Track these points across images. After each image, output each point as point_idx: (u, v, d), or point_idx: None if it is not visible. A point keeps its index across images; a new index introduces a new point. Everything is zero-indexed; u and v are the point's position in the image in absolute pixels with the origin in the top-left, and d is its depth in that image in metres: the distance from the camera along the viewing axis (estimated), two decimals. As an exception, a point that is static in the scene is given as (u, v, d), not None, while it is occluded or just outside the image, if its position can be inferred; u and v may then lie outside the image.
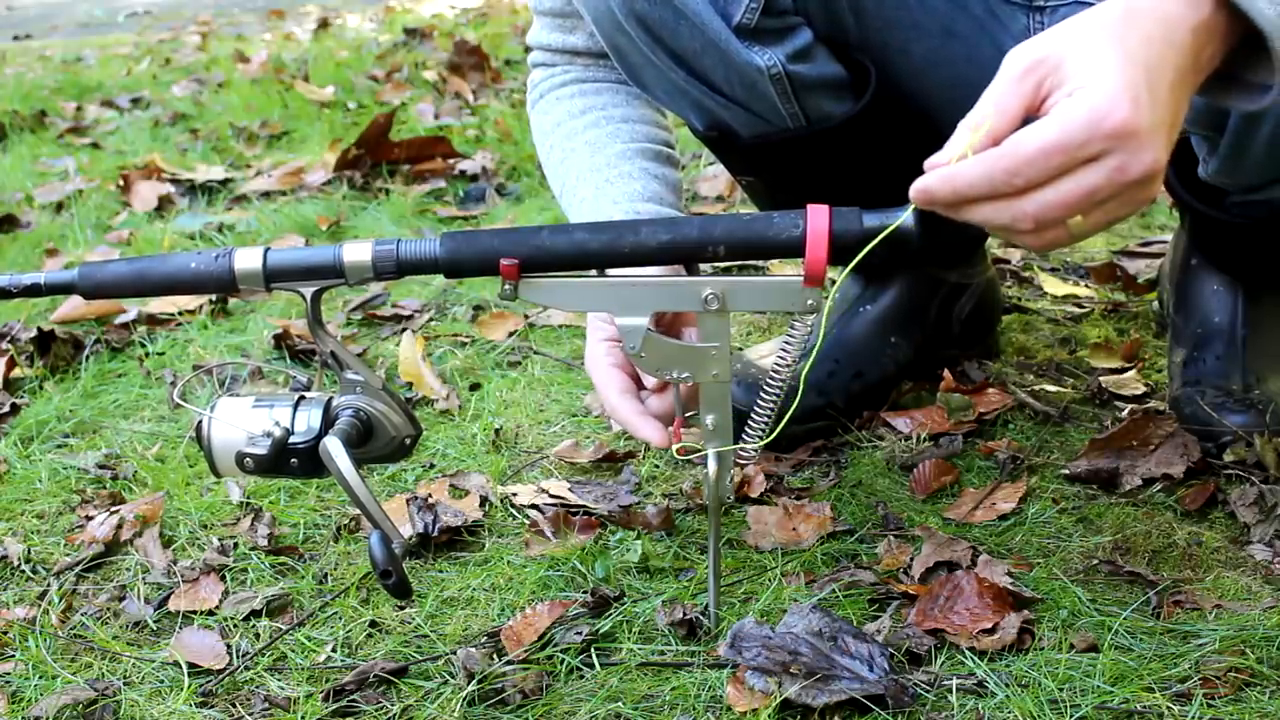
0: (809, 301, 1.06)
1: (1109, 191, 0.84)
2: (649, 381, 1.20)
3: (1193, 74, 0.88)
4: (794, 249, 1.03)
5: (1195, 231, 1.57)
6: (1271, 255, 1.47)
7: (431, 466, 1.60)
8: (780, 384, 1.12)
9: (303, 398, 1.11)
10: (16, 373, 1.99)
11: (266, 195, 2.89)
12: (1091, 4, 1.28)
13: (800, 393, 1.16)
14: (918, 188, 0.89)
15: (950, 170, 0.87)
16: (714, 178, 2.61)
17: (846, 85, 1.42)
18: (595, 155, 1.39)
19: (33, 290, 1.11)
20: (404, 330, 1.99)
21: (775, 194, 1.56)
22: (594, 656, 1.20)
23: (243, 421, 1.10)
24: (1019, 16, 1.35)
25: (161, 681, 1.24)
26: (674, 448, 1.20)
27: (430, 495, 1.47)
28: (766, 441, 1.15)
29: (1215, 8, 0.88)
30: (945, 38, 1.39)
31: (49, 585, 1.41)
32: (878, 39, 1.41)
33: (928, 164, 0.89)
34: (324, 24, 5.56)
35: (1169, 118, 0.85)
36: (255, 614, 1.32)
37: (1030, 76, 0.86)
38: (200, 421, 1.12)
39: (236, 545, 1.44)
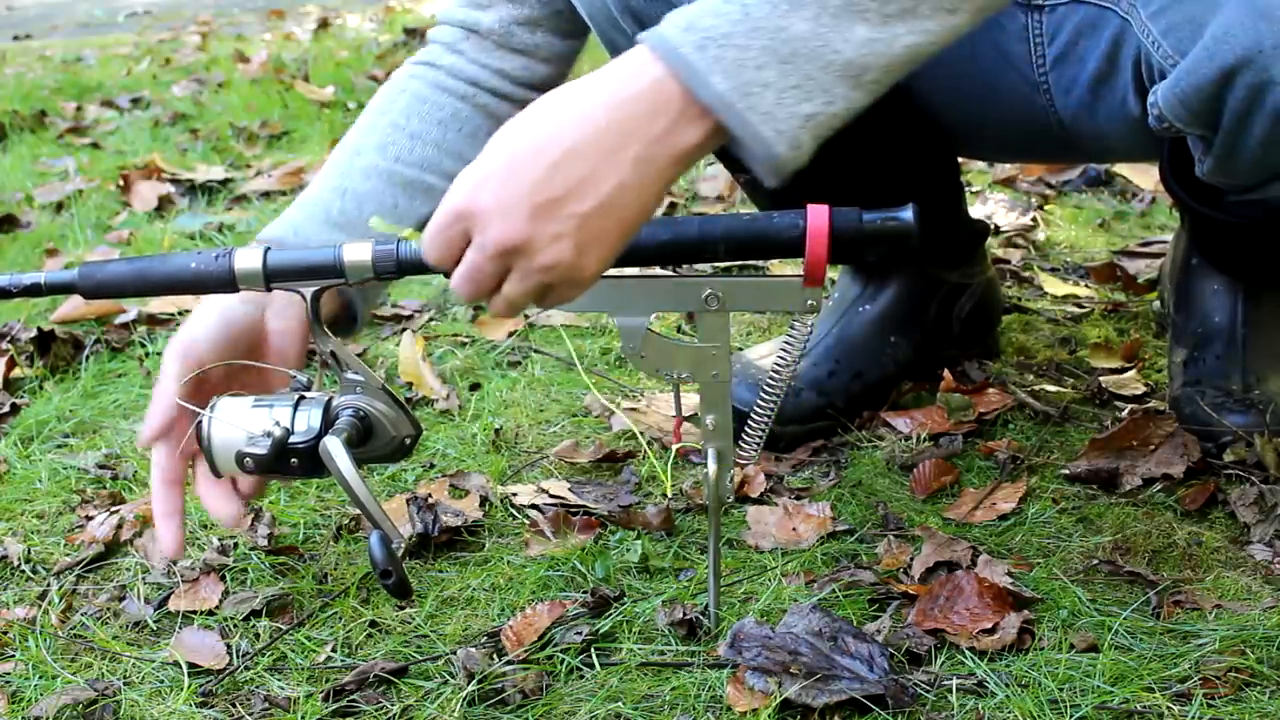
0: (809, 301, 1.07)
1: (490, 264, 0.92)
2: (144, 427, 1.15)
3: (624, 143, 0.89)
4: (794, 249, 1.03)
5: (1195, 231, 1.57)
6: (1271, 255, 1.47)
7: (431, 466, 1.60)
8: (780, 384, 1.12)
9: (303, 398, 1.11)
10: (16, 373, 1.99)
11: (266, 195, 2.89)
12: (1091, 3, 1.29)
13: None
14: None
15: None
16: (714, 178, 2.61)
17: None
18: (349, 158, 1.33)
19: (33, 290, 1.11)
20: (404, 330, 1.99)
21: (773, 192, 1.56)
22: (594, 656, 1.20)
23: (243, 421, 1.10)
24: (1018, 15, 1.35)
25: (161, 681, 1.24)
26: (675, 446, 1.20)
27: (430, 495, 1.47)
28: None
29: (665, 90, 0.88)
30: None
31: (49, 585, 1.41)
32: None
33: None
34: (324, 24, 5.55)
35: (543, 193, 0.89)
36: (255, 614, 1.32)
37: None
38: (200, 421, 1.12)
39: (236, 545, 1.44)
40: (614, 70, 0.91)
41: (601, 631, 1.23)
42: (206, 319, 1.18)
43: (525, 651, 1.20)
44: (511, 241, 0.90)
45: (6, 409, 1.87)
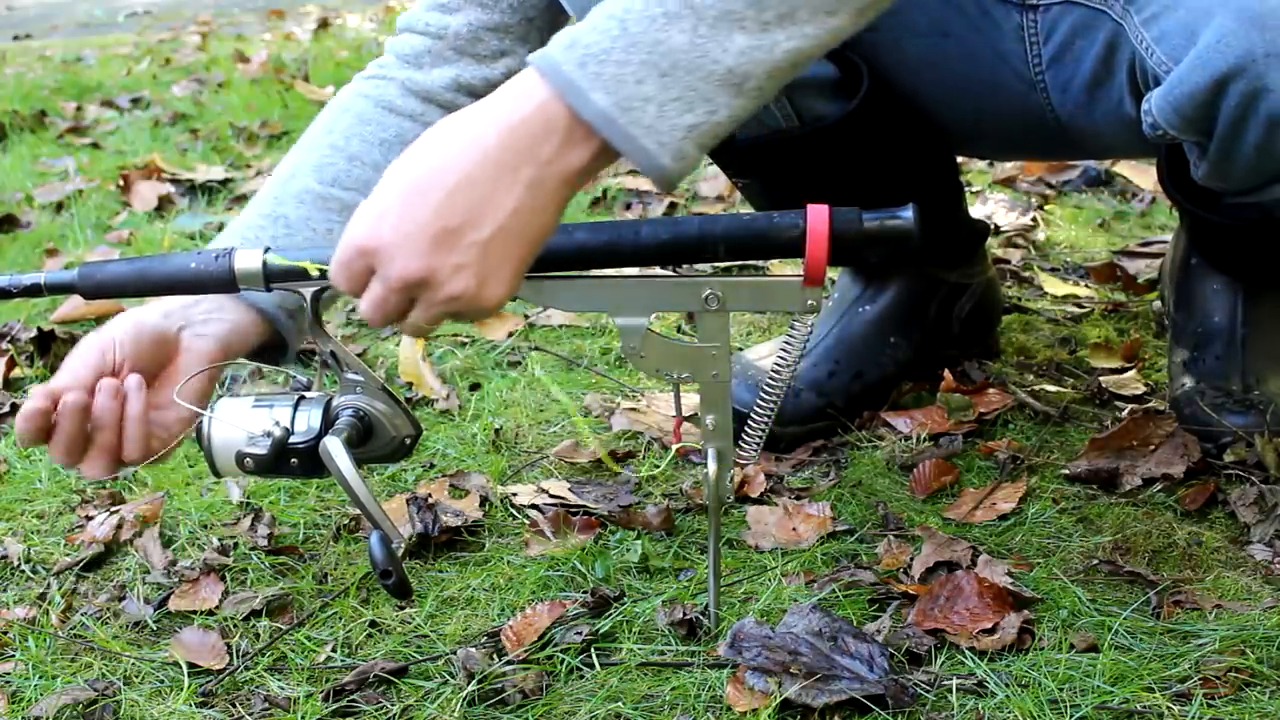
0: (809, 302, 1.07)
1: (395, 296, 0.93)
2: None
3: (516, 168, 0.90)
4: (794, 249, 1.04)
5: (1194, 232, 1.57)
6: (1270, 255, 1.47)
7: (431, 466, 1.60)
8: (780, 385, 1.12)
9: (303, 398, 1.11)
10: (16, 373, 1.99)
11: (266, 195, 2.89)
12: (1085, 5, 1.29)
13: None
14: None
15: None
16: (714, 178, 2.61)
17: (839, 84, 1.42)
18: (284, 184, 1.30)
19: (33, 290, 1.11)
20: (404, 330, 1.99)
21: (772, 195, 1.56)
22: (594, 656, 1.20)
23: (243, 421, 1.10)
24: (1013, 14, 1.35)
25: (161, 681, 1.24)
26: (675, 446, 1.20)
27: (430, 495, 1.47)
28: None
29: (550, 110, 0.89)
30: (939, 36, 1.39)
31: (49, 585, 1.41)
32: (869, 38, 1.40)
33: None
34: (324, 24, 5.55)
35: (440, 223, 0.90)
36: (255, 614, 1.32)
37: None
38: (200, 421, 1.12)
39: (236, 545, 1.44)
40: (504, 94, 0.92)
41: (601, 631, 1.23)
42: (123, 322, 1.18)
43: (525, 651, 1.20)
44: (414, 275, 0.91)
45: (6, 409, 1.87)
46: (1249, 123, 1.15)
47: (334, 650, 1.25)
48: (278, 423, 1.09)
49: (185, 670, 1.24)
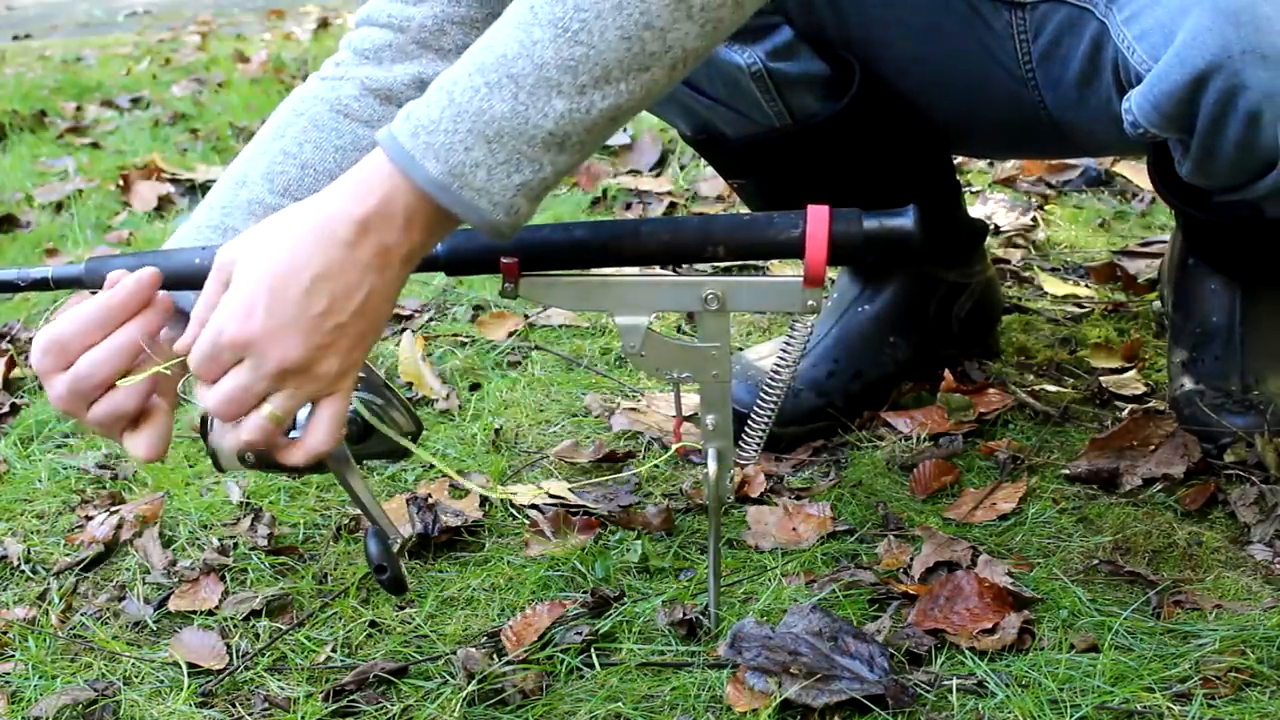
0: (809, 302, 1.07)
1: (262, 384, 0.94)
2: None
3: (372, 258, 0.94)
4: (794, 249, 1.04)
5: (1188, 231, 1.57)
6: (1265, 253, 1.47)
7: (432, 466, 1.60)
8: (780, 385, 1.12)
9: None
10: (16, 373, 1.99)
11: (266, 195, 2.89)
12: (1069, 3, 1.29)
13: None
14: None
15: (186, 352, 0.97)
16: (714, 178, 2.61)
17: (831, 82, 1.42)
18: (234, 190, 1.24)
19: (41, 284, 1.11)
20: (404, 330, 1.99)
21: (767, 196, 1.56)
22: (594, 656, 1.20)
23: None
24: (1002, 12, 1.35)
25: (161, 681, 1.24)
26: (675, 446, 1.20)
27: (430, 495, 1.47)
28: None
29: (393, 188, 0.93)
30: (929, 34, 1.39)
31: (49, 585, 1.41)
32: (860, 36, 1.41)
33: (176, 346, 0.99)
34: (324, 24, 5.55)
35: (306, 313, 0.93)
36: (255, 614, 1.32)
37: (221, 273, 0.96)
38: (204, 417, 1.12)
39: (236, 545, 1.44)
40: (351, 177, 0.95)
41: (601, 631, 1.23)
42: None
43: (525, 651, 1.20)
44: (292, 363, 0.93)
45: (6, 409, 1.87)
46: (1228, 119, 1.15)
47: (334, 650, 1.25)
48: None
49: (185, 670, 1.24)
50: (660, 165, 2.76)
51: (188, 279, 1.08)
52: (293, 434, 1.08)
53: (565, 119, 0.92)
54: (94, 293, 1.06)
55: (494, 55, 0.93)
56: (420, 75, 1.27)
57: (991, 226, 2.19)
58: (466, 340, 1.98)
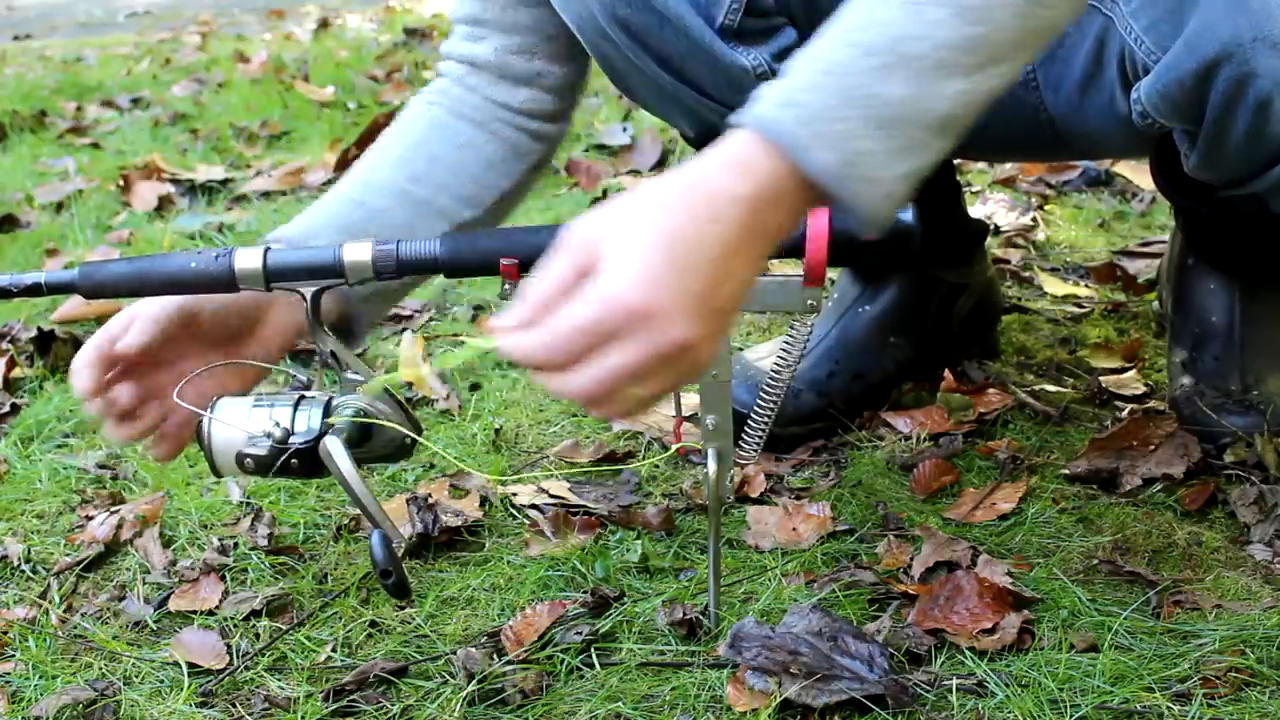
0: (809, 302, 1.06)
1: (646, 366, 0.86)
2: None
3: (753, 240, 0.89)
4: (794, 249, 1.04)
5: (1189, 230, 1.57)
6: (1265, 251, 1.47)
7: (431, 466, 1.60)
8: (780, 385, 1.12)
9: (303, 398, 1.11)
10: (16, 373, 1.99)
11: (266, 195, 2.89)
12: None
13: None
14: (501, 344, 0.91)
15: (513, 341, 0.89)
16: (714, 178, 2.61)
17: None
18: (367, 174, 1.35)
19: (33, 290, 1.11)
20: (404, 330, 1.99)
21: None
22: (594, 656, 1.20)
23: (243, 421, 1.10)
24: None
25: (161, 681, 1.24)
26: (675, 446, 1.20)
27: (430, 495, 1.47)
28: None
29: (777, 173, 0.88)
30: None
31: (49, 585, 1.41)
32: None
33: (492, 324, 0.91)
34: (324, 24, 5.55)
35: (705, 291, 0.86)
36: (255, 614, 1.32)
37: (578, 251, 0.88)
38: (200, 421, 1.12)
39: (236, 545, 1.44)
40: (733, 161, 0.89)
41: (601, 631, 1.23)
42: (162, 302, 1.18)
43: (525, 651, 1.20)
44: (691, 343, 0.86)
45: (6, 409, 1.87)
46: (1237, 108, 1.15)
47: (334, 650, 1.25)
48: (278, 423, 1.09)
49: (185, 670, 1.24)
50: (660, 165, 2.76)
51: (185, 283, 1.08)
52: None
53: (959, 101, 0.88)
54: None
55: (883, 35, 0.88)
56: (506, 102, 1.38)
57: (991, 226, 2.19)
58: (466, 340, 1.98)
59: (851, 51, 0.88)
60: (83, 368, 1.16)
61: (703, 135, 1.44)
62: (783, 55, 1.35)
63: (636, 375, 0.86)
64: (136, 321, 1.17)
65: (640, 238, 0.86)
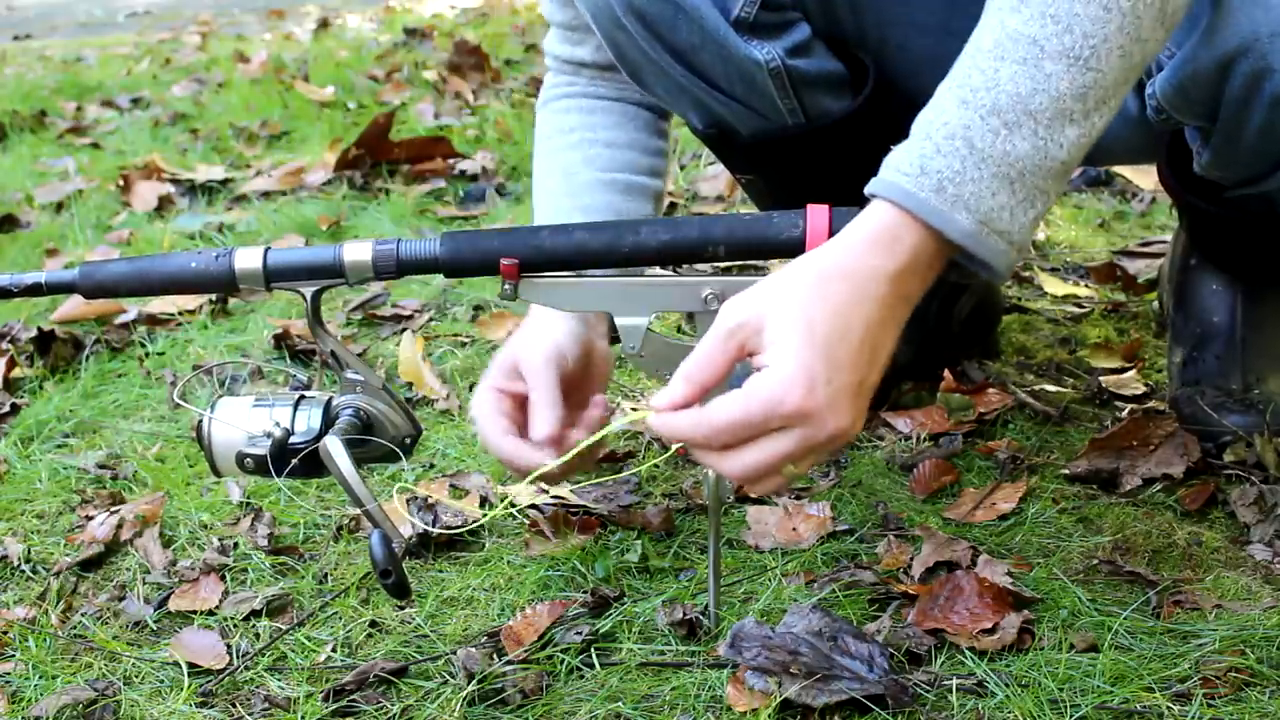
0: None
1: (802, 453, 0.92)
2: (538, 433, 1.19)
3: (898, 310, 0.95)
4: (794, 249, 1.04)
5: (1193, 229, 1.57)
6: (1270, 252, 1.47)
7: (431, 466, 1.60)
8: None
9: (303, 397, 1.11)
10: (16, 373, 1.99)
11: (266, 195, 2.89)
12: None
13: None
14: (651, 422, 0.96)
15: (666, 422, 0.95)
16: (714, 178, 2.61)
17: (845, 82, 1.42)
18: (567, 180, 1.40)
19: (34, 290, 1.11)
20: (404, 330, 1.99)
21: (775, 193, 1.56)
22: (594, 656, 1.20)
23: (243, 421, 1.10)
24: None
25: (161, 681, 1.24)
26: (674, 446, 1.20)
27: (430, 495, 1.47)
28: None
29: (919, 242, 0.93)
30: (944, 36, 1.39)
31: (49, 585, 1.41)
32: (876, 35, 1.41)
33: (651, 402, 0.96)
34: (324, 24, 5.55)
35: (857, 384, 0.92)
36: (255, 614, 1.32)
37: (735, 338, 0.94)
38: (200, 421, 1.12)
39: (236, 545, 1.44)
40: (873, 236, 0.94)
41: (601, 631, 1.23)
42: (555, 342, 1.24)
43: (525, 651, 1.20)
44: (844, 432, 0.92)
45: (6, 409, 1.87)
46: (1253, 104, 1.15)
47: (334, 650, 1.25)
48: (278, 423, 1.09)
49: (185, 670, 1.24)
50: (660, 165, 2.76)
51: (185, 283, 1.08)
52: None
53: (1076, 146, 0.94)
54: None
55: (1006, 95, 0.93)
56: (620, 95, 1.45)
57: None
58: (466, 340, 1.98)
59: (978, 113, 0.93)
60: (545, 408, 1.19)
61: (711, 127, 1.44)
62: (796, 50, 1.36)
63: (793, 458, 0.93)
64: (530, 374, 1.22)
65: (796, 332, 0.91)
